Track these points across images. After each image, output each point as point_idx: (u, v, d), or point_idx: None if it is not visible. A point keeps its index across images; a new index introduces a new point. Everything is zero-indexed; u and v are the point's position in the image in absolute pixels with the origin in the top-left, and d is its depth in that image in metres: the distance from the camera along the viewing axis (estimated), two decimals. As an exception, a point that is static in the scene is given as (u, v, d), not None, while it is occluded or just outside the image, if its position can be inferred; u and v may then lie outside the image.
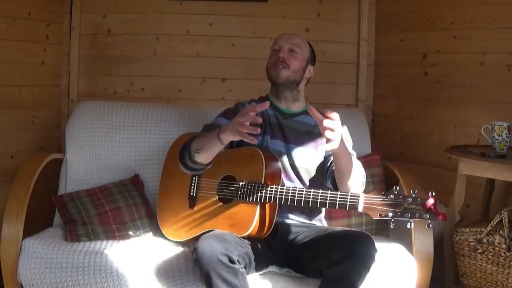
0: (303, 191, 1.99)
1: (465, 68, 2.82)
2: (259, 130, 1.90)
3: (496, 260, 2.33)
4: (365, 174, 2.12)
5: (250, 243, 2.03)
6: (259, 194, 2.02)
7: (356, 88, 3.28)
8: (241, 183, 2.07)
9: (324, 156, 2.20)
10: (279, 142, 2.20)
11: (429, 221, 1.80)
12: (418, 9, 3.03)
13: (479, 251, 2.38)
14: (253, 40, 3.21)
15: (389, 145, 3.11)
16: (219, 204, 2.13)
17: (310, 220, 2.22)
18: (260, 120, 1.90)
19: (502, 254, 2.31)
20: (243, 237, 2.03)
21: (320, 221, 2.27)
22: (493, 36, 2.67)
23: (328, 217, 2.43)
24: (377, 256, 1.90)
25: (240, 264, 1.88)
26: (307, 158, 2.19)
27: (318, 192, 1.96)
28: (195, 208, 2.19)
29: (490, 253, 2.35)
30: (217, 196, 2.15)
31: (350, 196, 1.91)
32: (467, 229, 2.42)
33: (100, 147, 2.64)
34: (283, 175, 2.14)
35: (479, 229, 2.38)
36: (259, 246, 2.07)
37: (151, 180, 2.60)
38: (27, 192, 2.26)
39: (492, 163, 2.33)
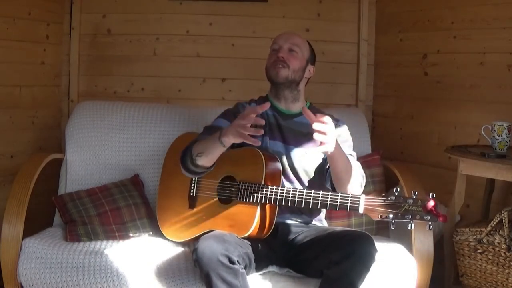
0: (303, 192, 1.98)
1: (465, 68, 2.82)
2: (262, 132, 1.89)
3: (496, 260, 2.33)
4: (364, 176, 2.11)
5: (250, 243, 2.03)
6: (259, 195, 2.02)
7: (356, 88, 3.28)
8: (241, 184, 2.07)
9: (323, 158, 2.18)
10: (278, 143, 2.19)
11: (430, 223, 1.80)
12: (418, 9, 3.03)
13: (479, 251, 2.38)
14: (253, 40, 3.21)
15: (389, 145, 3.11)
16: (219, 205, 2.13)
17: (310, 220, 2.22)
18: (263, 122, 1.88)
19: (502, 254, 2.31)
20: (243, 238, 2.02)
21: (320, 221, 2.27)
22: (493, 36, 2.67)
23: (328, 217, 2.43)
24: (377, 256, 1.90)
25: (240, 264, 1.88)
26: (306, 159, 2.18)
27: (319, 194, 1.95)
28: (195, 209, 2.19)
29: (490, 253, 2.35)
30: (217, 197, 2.14)
31: (351, 197, 1.90)
32: (467, 229, 2.42)
33: (100, 147, 2.64)
34: (282, 177, 2.13)
35: (479, 229, 2.38)
36: (259, 246, 2.07)
37: (151, 180, 2.60)
38: (27, 192, 2.26)
39: (492, 163, 2.33)
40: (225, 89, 3.26)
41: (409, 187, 2.37)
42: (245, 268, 1.92)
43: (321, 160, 2.19)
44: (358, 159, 2.21)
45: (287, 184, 2.15)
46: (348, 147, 2.18)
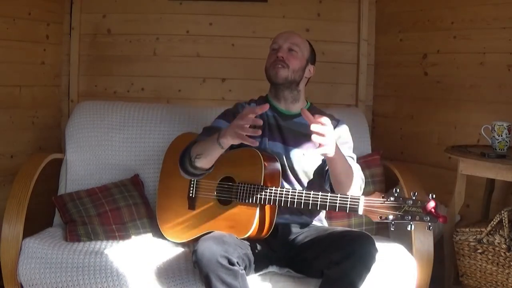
0: (302, 193, 1.97)
1: (465, 68, 2.82)
2: (260, 132, 1.88)
3: (496, 260, 2.33)
4: (364, 178, 2.10)
5: (249, 244, 2.03)
6: (258, 196, 2.01)
7: (356, 88, 3.28)
8: (240, 185, 2.07)
9: (323, 159, 2.16)
10: (278, 144, 2.18)
11: (430, 224, 1.80)
12: (418, 9, 3.03)
13: (479, 251, 2.38)
14: (253, 40, 3.21)
15: (389, 145, 3.11)
16: (218, 206, 2.12)
17: (311, 220, 2.22)
18: (261, 122, 1.87)
19: (502, 254, 2.31)
20: (243, 239, 2.02)
21: (321, 221, 2.27)
22: (493, 36, 2.67)
23: (328, 217, 2.42)
24: (378, 256, 1.90)
25: (239, 265, 1.88)
26: (306, 160, 2.16)
27: (318, 195, 1.94)
28: (194, 209, 2.19)
29: (490, 253, 2.35)
30: (216, 197, 2.14)
31: (350, 198, 1.89)
32: (467, 229, 2.42)
33: (100, 147, 2.64)
34: (282, 178, 2.11)
35: (479, 229, 2.38)
36: (259, 246, 2.07)
37: (151, 180, 2.60)
38: (27, 192, 2.26)
39: (492, 163, 2.33)
40: (225, 89, 3.26)
41: (409, 187, 2.37)
42: (244, 269, 1.92)
43: (320, 162, 2.17)
44: (358, 159, 2.20)
45: (286, 185, 2.14)
46: (348, 149, 2.17)
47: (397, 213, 1.81)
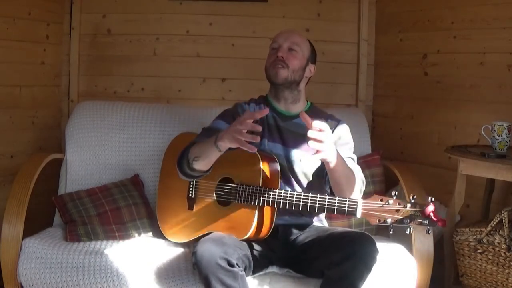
0: (301, 195, 1.95)
1: (465, 68, 2.82)
2: (258, 139, 1.84)
3: (496, 260, 2.33)
4: (364, 180, 2.07)
5: (249, 244, 2.03)
6: (257, 197, 2.00)
7: (356, 88, 3.28)
8: (239, 186, 2.06)
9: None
10: (278, 146, 2.16)
11: (429, 227, 1.78)
12: (418, 9, 3.03)
13: (479, 251, 2.38)
14: (253, 40, 3.21)
15: (389, 145, 3.11)
16: (217, 207, 2.12)
17: (311, 221, 2.21)
18: (260, 128, 1.84)
19: (502, 254, 2.31)
20: (243, 240, 2.01)
21: (321, 221, 2.27)
22: (493, 36, 2.67)
23: (328, 217, 2.42)
24: (378, 256, 1.89)
25: (239, 267, 1.87)
26: (305, 162, 2.14)
27: (316, 197, 1.92)
28: (194, 210, 2.18)
29: (490, 253, 2.35)
30: (215, 198, 2.14)
31: (349, 202, 1.87)
32: (467, 229, 2.42)
33: (100, 147, 2.64)
34: (281, 179, 2.09)
35: (479, 229, 2.38)
36: (259, 247, 2.06)
37: (151, 180, 2.60)
38: (27, 192, 2.26)
39: (492, 163, 2.33)
40: (225, 89, 3.26)
41: (409, 187, 2.37)
42: (244, 270, 1.91)
43: (320, 163, 2.13)
44: (358, 159, 2.19)
45: (285, 187, 2.12)
46: (348, 150, 2.15)
47: (396, 216, 1.79)
